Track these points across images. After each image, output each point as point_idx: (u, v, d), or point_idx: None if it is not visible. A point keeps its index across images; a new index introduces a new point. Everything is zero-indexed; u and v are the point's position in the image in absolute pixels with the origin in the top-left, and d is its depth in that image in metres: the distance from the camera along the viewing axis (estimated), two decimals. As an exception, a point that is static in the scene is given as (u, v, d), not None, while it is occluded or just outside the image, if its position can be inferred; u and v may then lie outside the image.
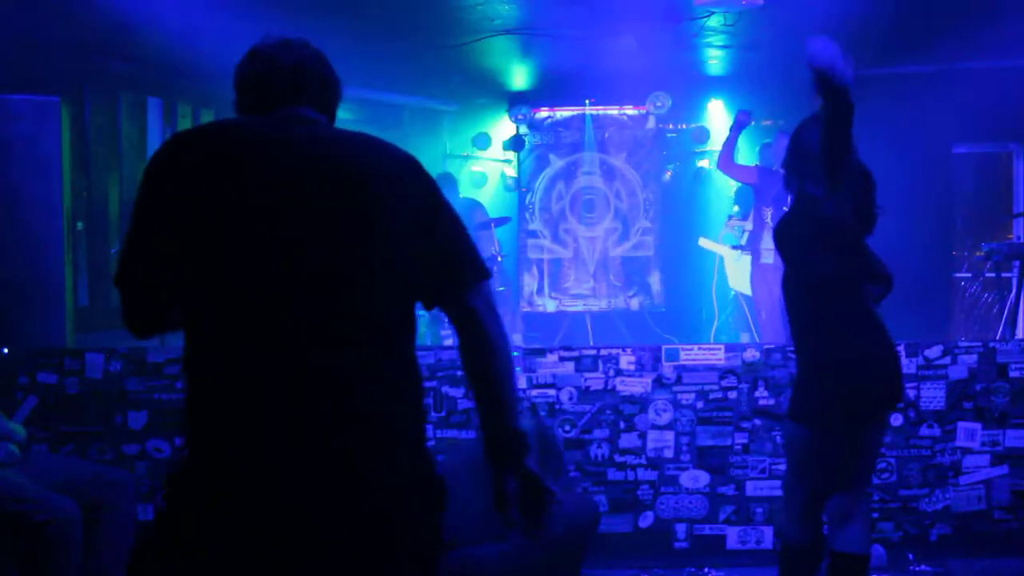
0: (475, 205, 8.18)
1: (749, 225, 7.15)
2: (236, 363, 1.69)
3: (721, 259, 7.68)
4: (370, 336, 1.75)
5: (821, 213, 2.93)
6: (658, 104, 8.70)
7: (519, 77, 8.51)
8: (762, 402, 4.34)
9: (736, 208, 7.84)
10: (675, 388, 4.37)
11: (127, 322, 1.82)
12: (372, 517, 1.71)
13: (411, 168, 1.88)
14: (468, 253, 1.91)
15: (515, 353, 1.89)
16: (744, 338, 7.53)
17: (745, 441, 4.36)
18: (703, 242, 7.64)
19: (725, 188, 8.76)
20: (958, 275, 8.38)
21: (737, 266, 7.33)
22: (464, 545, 3.21)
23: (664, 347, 4.45)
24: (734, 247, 7.50)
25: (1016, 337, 5.81)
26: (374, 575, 1.73)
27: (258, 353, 1.68)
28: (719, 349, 4.43)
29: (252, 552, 1.66)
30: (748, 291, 6.90)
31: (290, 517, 1.66)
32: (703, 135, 8.89)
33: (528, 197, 9.08)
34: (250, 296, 1.69)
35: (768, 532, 4.30)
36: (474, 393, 1.91)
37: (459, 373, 4.35)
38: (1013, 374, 4.37)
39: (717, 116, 9.06)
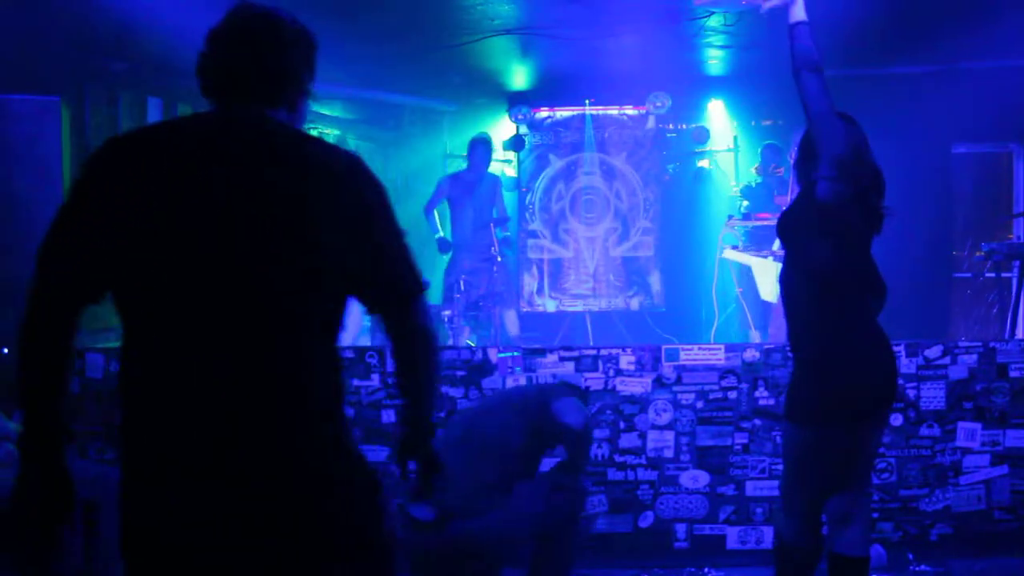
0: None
1: (749, 225, 7.15)
2: (162, 359, 1.76)
3: (748, 269, 7.53)
4: (293, 334, 1.79)
5: (814, 196, 2.95)
6: (658, 104, 8.70)
7: (519, 77, 8.51)
8: (762, 402, 4.34)
9: (746, 203, 7.78)
10: (675, 388, 4.37)
11: (32, 301, 1.80)
12: (294, 504, 1.77)
13: (349, 174, 1.87)
14: (401, 262, 1.93)
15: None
16: (755, 336, 7.47)
17: (745, 441, 4.36)
18: (728, 254, 7.46)
19: (725, 188, 8.76)
20: (958, 275, 8.37)
21: (767, 276, 7.16)
22: (453, 519, 3.27)
23: (664, 347, 4.45)
24: (743, 249, 7.42)
25: (1016, 337, 5.81)
26: (305, 562, 1.79)
27: (181, 352, 1.75)
28: (719, 349, 4.43)
29: (186, 540, 1.74)
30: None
31: (213, 506, 1.73)
32: (703, 135, 8.89)
33: (528, 197, 9.08)
34: (176, 296, 1.74)
35: (768, 532, 4.30)
36: (399, 387, 2.04)
37: (459, 373, 4.35)
38: (1013, 374, 4.37)
39: (717, 116, 9.06)
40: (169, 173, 1.76)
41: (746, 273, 7.39)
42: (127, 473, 1.78)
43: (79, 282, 1.78)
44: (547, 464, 3.80)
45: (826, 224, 2.94)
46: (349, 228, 1.83)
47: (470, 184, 7.62)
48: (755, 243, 7.25)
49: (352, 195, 1.85)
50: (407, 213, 7.62)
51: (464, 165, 7.90)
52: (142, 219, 1.74)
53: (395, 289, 1.93)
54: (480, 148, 7.63)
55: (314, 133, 8.40)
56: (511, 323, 7.65)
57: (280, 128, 1.88)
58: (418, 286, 1.96)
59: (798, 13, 2.99)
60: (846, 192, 2.91)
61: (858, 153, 2.98)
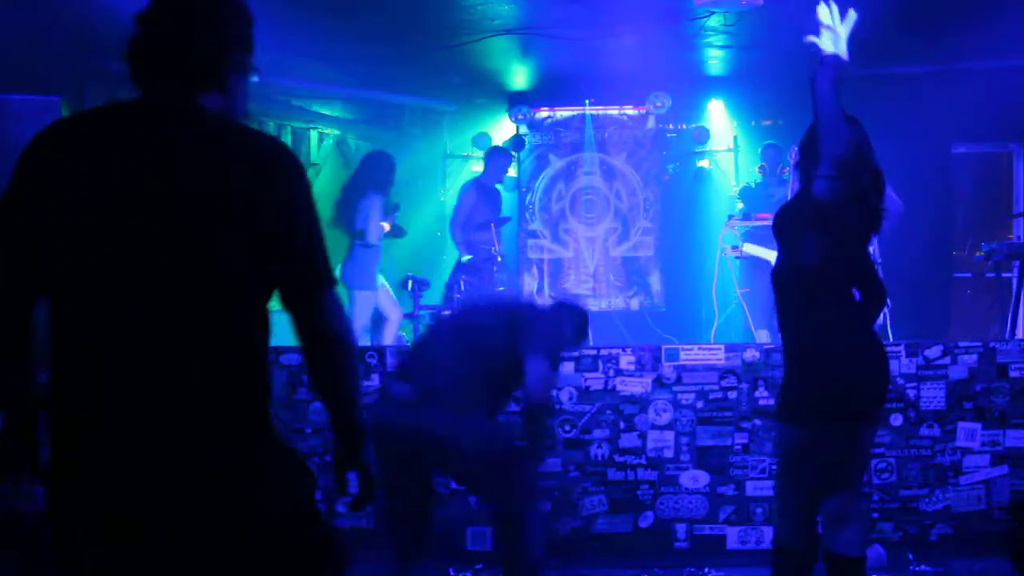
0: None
1: (749, 225, 7.14)
2: (86, 349, 1.75)
3: (755, 267, 7.48)
4: (213, 325, 1.76)
5: (812, 194, 2.95)
6: (658, 104, 8.70)
7: (519, 77, 8.50)
8: (762, 402, 4.34)
9: (740, 205, 7.79)
10: (675, 388, 4.37)
11: None
12: (216, 500, 1.75)
13: (269, 162, 1.81)
14: (318, 256, 1.88)
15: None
16: (760, 336, 7.44)
17: (745, 441, 4.36)
18: (748, 248, 7.37)
19: (725, 188, 8.76)
20: (958, 275, 8.36)
21: None
22: (429, 404, 3.32)
23: (664, 347, 4.45)
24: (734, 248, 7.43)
25: (1016, 337, 5.81)
26: (223, 558, 1.77)
27: (99, 349, 1.74)
28: (719, 349, 4.43)
29: (108, 536, 1.73)
30: None
31: (133, 499, 1.72)
32: (703, 135, 8.89)
33: (528, 197, 9.07)
34: (95, 286, 1.74)
35: (768, 532, 4.29)
36: (319, 392, 1.97)
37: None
38: (1013, 374, 4.37)
39: (717, 116, 9.05)
40: (83, 167, 1.75)
41: (762, 269, 7.37)
42: (52, 474, 1.78)
43: (17, 267, 1.79)
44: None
45: (822, 222, 2.94)
46: (268, 219, 1.78)
47: (490, 191, 7.69)
48: (755, 243, 7.24)
49: (271, 184, 1.79)
50: (407, 213, 7.64)
51: (463, 165, 7.92)
52: (57, 212, 1.74)
53: (308, 281, 1.87)
54: (506, 159, 7.75)
55: (315, 132, 8.28)
56: None
57: (201, 116, 1.83)
58: (330, 279, 1.91)
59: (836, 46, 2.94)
60: (844, 191, 2.91)
61: (860, 153, 2.98)
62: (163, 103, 1.83)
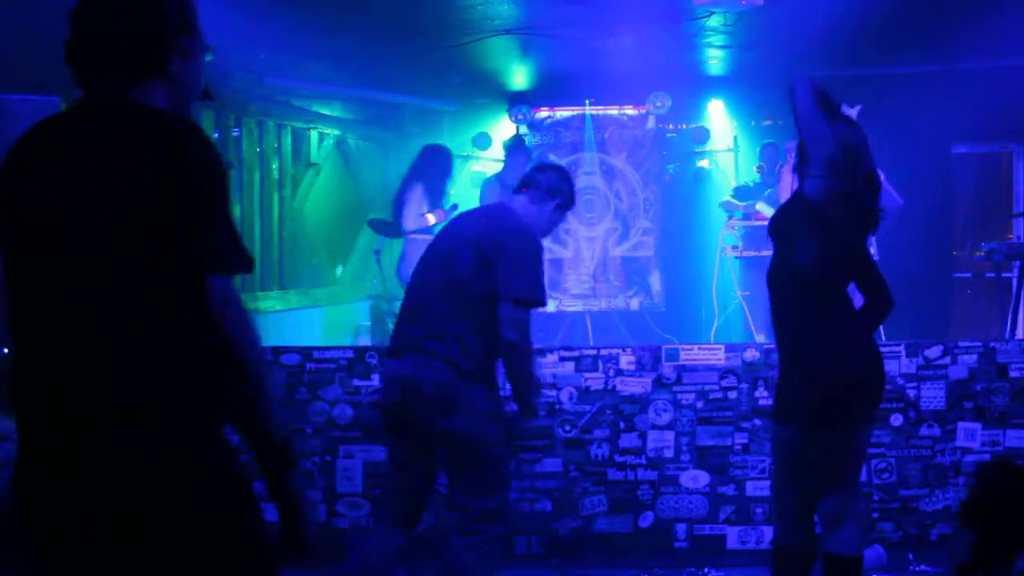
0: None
1: (749, 225, 7.14)
2: (25, 347, 1.79)
3: (752, 269, 7.47)
4: (127, 318, 1.73)
5: (804, 194, 2.97)
6: (658, 104, 8.69)
7: (519, 77, 8.50)
8: (762, 402, 4.34)
9: (729, 196, 7.78)
10: (675, 388, 4.37)
11: None
12: (128, 492, 1.72)
13: (174, 153, 1.74)
14: (223, 242, 1.78)
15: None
16: (764, 338, 7.44)
17: (745, 441, 4.36)
18: (761, 206, 7.18)
19: (725, 188, 8.76)
20: (958, 275, 8.36)
21: None
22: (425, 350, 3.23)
23: (664, 347, 4.45)
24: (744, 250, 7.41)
25: (1016, 337, 5.81)
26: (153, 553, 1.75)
27: (37, 342, 1.77)
28: (719, 349, 4.43)
29: (53, 526, 1.75)
30: None
31: (67, 495, 1.73)
32: (703, 135, 8.89)
33: (528, 197, 9.06)
34: (28, 287, 1.77)
35: (768, 532, 4.29)
36: (232, 417, 1.83)
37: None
38: (1013, 374, 4.37)
39: (717, 116, 9.05)
40: (23, 167, 1.79)
41: (762, 270, 7.33)
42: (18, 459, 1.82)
43: None
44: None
45: (815, 221, 2.96)
46: (168, 207, 1.72)
47: (509, 187, 7.68)
48: (755, 243, 7.25)
49: (173, 173, 1.72)
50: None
51: (463, 165, 7.90)
52: (5, 215, 1.80)
53: (214, 262, 1.76)
54: (526, 155, 7.73)
55: (315, 132, 8.31)
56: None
57: (118, 111, 1.80)
58: (233, 263, 1.79)
59: None
60: (836, 189, 2.94)
61: (856, 152, 3.00)
62: (98, 101, 1.83)
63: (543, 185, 3.49)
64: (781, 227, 3.11)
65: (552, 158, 9.06)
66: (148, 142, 1.75)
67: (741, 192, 7.77)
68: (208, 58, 1.93)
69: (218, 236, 1.77)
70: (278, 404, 1.82)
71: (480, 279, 3.21)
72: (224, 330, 1.77)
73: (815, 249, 2.96)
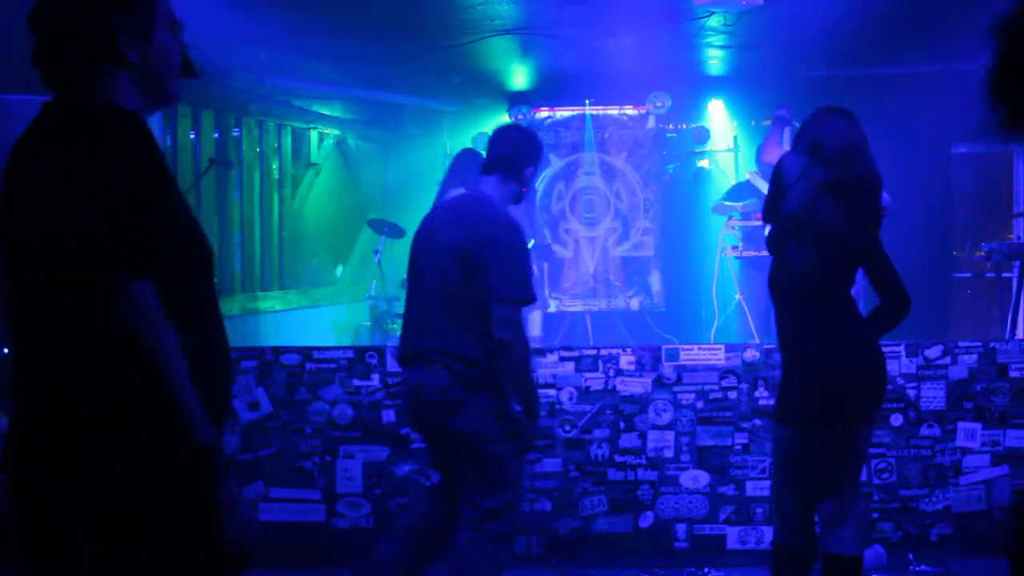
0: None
1: (749, 225, 7.14)
2: (23, 347, 1.82)
3: (752, 271, 7.47)
4: (41, 316, 1.77)
5: (783, 211, 3.01)
6: (658, 104, 8.70)
7: (519, 77, 8.50)
8: (762, 402, 4.34)
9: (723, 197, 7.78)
10: (675, 388, 4.37)
11: None
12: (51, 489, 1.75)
13: (71, 143, 1.73)
14: (94, 241, 1.69)
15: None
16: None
17: (745, 441, 4.36)
18: (752, 178, 7.15)
19: (725, 188, 8.75)
20: (958, 275, 8.36)
21: None
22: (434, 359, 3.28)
23: (664, 347, 4.45)
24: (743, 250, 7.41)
25: (1016, 337, 5.81)
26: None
27: (32, 342, 1.80)
28: (719, 349, 4.43)
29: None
30: None
31: (58, 495, 1.75)
32: (703, 135, 8.88)
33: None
34: (25, 287, 1.79)
35: (768, 532, 4.30)
36: None
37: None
38: (1013, 374, 4.37)
39: (717, 116, 9.05)
40: (15, 167, 1.82)
41: (761, 271, 7.33)
42: None
43: None
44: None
45: (803, 231, 2.98)
46: (57, 201, 1.70)
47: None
48: (755, 243, 7.25)
49: (65, 164, 1.70)
50: (406, 212, 7.64)
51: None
52: None
53: (89, 267, 1.69)
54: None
55: (315, 132, 8.28)
56: (534, 324, 7.62)
57: (52, 108, 1.82)
58: (110, 266, 1.68)
59: None
60: (806, 192, 2.96)
61: (856, 151, 3.02)
62: (59, 100, 1.86)
63: (509, 159, 3.43)
64: (774, 237, 3.15)
65: (552, 158, 9.08)
66: (81, 142, 1.74)
67: (733, 192, 7.76)
68: (181, 32, 1.89)
69: (104, 237, 1.69)
70: (194, 402, 1.77)
71: (472, 283, 3.22)
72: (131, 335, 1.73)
73: (810, 254, 2.98)
